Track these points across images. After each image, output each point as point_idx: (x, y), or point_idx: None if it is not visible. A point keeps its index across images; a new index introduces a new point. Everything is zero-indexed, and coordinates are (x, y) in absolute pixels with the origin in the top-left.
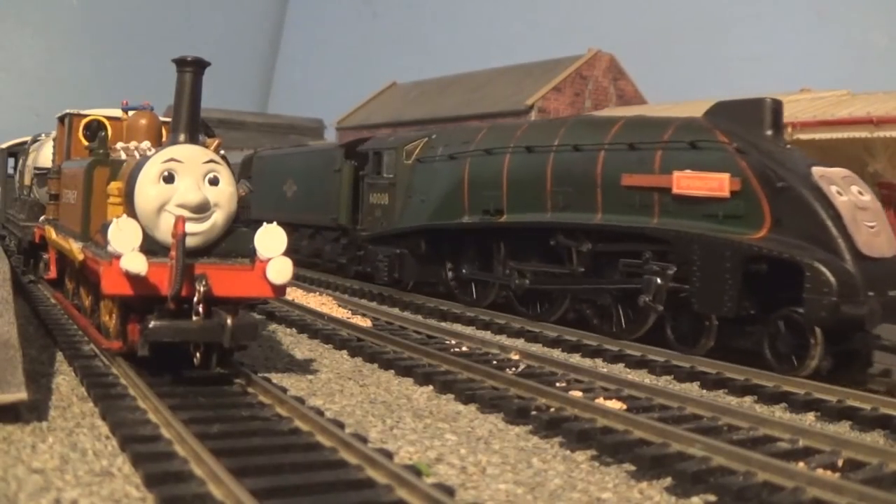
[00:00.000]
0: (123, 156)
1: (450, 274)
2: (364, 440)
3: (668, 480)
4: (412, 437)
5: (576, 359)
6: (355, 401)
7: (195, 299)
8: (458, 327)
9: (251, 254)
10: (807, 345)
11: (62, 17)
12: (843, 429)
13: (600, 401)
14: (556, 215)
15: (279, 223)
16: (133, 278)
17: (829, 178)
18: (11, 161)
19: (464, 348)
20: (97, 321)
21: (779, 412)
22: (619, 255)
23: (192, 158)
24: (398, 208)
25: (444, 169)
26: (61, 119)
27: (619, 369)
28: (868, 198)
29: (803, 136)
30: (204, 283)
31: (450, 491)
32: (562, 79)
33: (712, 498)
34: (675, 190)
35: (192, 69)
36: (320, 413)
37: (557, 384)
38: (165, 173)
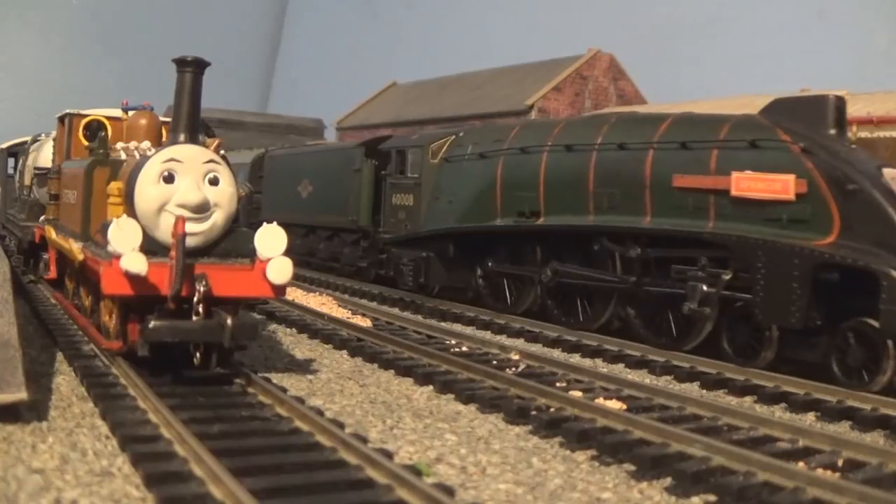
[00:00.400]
0: (123, 156)
1: (480, 281)
2: (364, 440)
3: (668, 480)
4: (412, 437)
5: (576, 359)
6: (355, 401)
7: (195, 299)
8: (458, 327)
9: (251, 254)
10: (878, 358)
11: (62, 17)
12: (842, 429)
13: (600, 401)
14: (600, 218)
15: (294, 225)
16: (133, 278)
17: None
18: (11, 161)
19: (464, 348)
20: (97, 321)
21: (779, 412)
22: (670, 260)
23: (192, 158)
24: (424, 210)
25: (473, 168)
26: (61, 119)
27: (619, 369)
28: None
29: None
30: (204, 283)
31: (450, 491)
32: (562, 79)
33: (712, 498)
34: (734, 192)
35: (192, 69)
36: (320, 413)
37: (557, 384)
38: (165, 173)
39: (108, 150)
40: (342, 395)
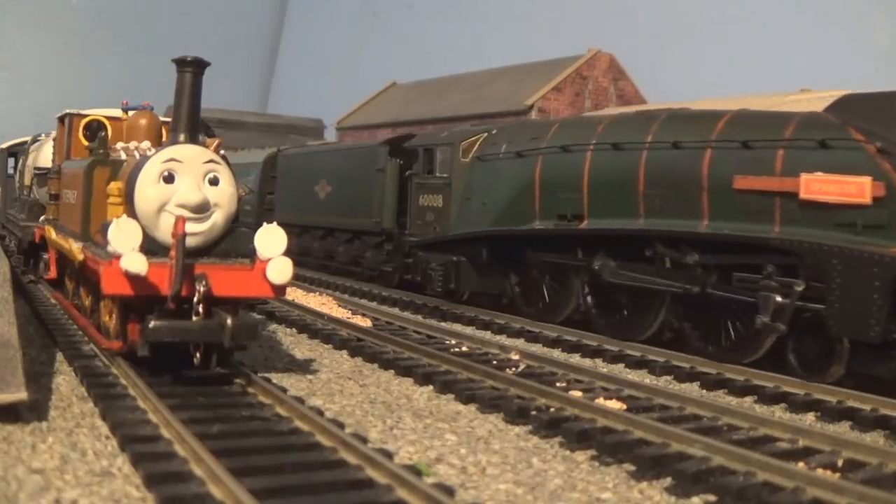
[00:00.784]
0: (123, 156)
1: (516, 288)
2: (364, 440)
3: (668, 480)
4: (412, 437)
5: (576, 359)
6: (355, 401)
7: (195, 299)
8: (458, 327)
9: (251, 254)
10: None
11: (62, 17)
12: (842, 429)
13: (600, 401)
14: (651, 221)
15: (311, 227)
16: (133, 278)
17: None
18: (11, 161)
19: (464, 348)
20: (97, 321)
21: (779, 412)
22: (731, 268)
23: (192, 158)
24: (454, 211)
25: (509, 168)
26: (61, 119)
27: (619, 369)
28: None
29: None
30: (204, 283)
31: (450, 491)
32: (562, 79)
33: (712, 498)
34: (803, 195)
35: (192, 69)
36: (320, 413)
37: (557, 384)
38: (165, 173)
39: (108, 150)
40: (342, 395)
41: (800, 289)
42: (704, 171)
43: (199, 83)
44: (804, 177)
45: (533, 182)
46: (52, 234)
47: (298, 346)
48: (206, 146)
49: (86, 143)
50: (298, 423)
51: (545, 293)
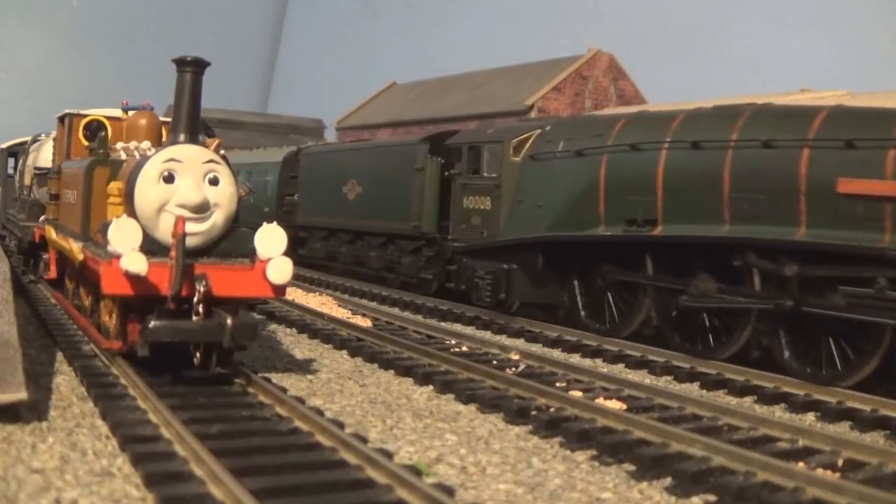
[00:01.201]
0: (123, 156)
1: (575, 298)
2: (364, 440)
3: (668, 480)
4: (412, 437)
5: (576, 359)
6: (355, 401)
7: (195, 299)
8: (458, 327)
9: (251, 254)
10: None
11: (62, 17)
12: (842, 429)
13: (600, 401)
14: (739, 228)
15: (338, 230)
16: (133, 278)
17: None
18: (11, 161)
19: (464, 348)
20: (97, 321)
21: (778, 412)
22: (835, 280)
23: (192, 158)
24: (504, 215)
25: (567, 168)
26: (61, 119)
27: (619, 369)
28: None
29: None
30: (204, 283)
31: (450, 491)
32: (562, 79)
33: (712, 498)
34: None
35: (192, 69)
36: (320, 413)
37: (557, 384)
38: (165, 173)
39: (108, 150)
40: (342, 395)
41: None
42: (802, 172)
43: (199, 83)
44: None
45: (597, 183)
46: (52, 234)
47: (298, 346)
48: (206, 146)
49: (86, 143)
50: (298, 423)
51: (610, 305)
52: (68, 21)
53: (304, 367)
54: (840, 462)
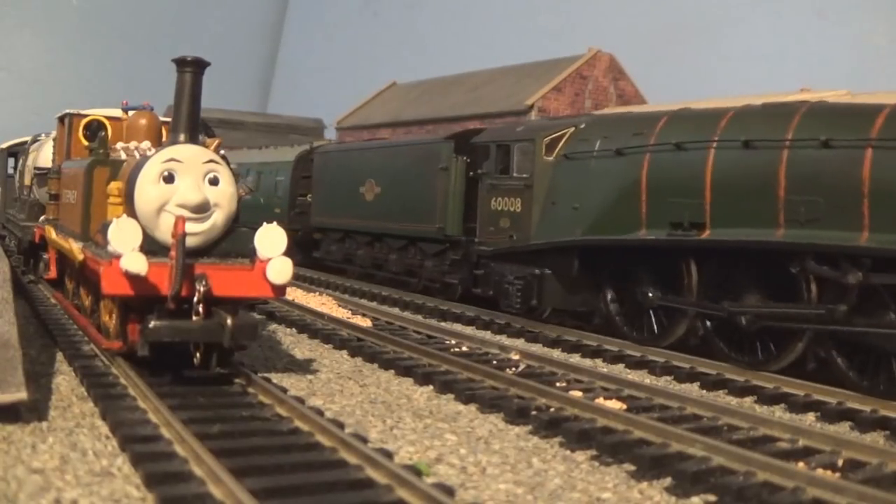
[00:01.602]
0: (123, 156)
1: (612, 305)
2: (364, 440)
3: (668, 480)
4: (412, 437)
5: (576, 359)
6: (355, 401)
7: (195, 299)
8: (458, 327)
9: (251, 254)
10: None
11: (62, 17)
12: (843, 429)
13: (600, 401)
14: (796, 233)
15: (355, 232)
16: (133, 278)
17: None
18: (11, 161)
19: (464, 348)
20: (97, 321)
21: (778, 412)
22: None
23: (192, 158)
24: (536, 217)
25: (606, 168)
26: (61, 119)
27: (619, 369)
28: None
29: None
30: (204, 283)
31: (450, 491)
32: (562, 79)
33: (712, 498)
34: None
35: (192, 69)
36: (320, 413)
37: (557, 384)
38: (165, 173)
39: (108, 150)
40: (342, 395)
41: None
42: (865, 174)
43: (199, 83)
44: None
45: (638, 184)
46: (52, 234)
47: (298, 346)
48: (206, 146)
49: (86, 143)
50: (298, 423)
51: (651, 313)
52: (68, 21)
53: (304, 367)
54: (840, 462)
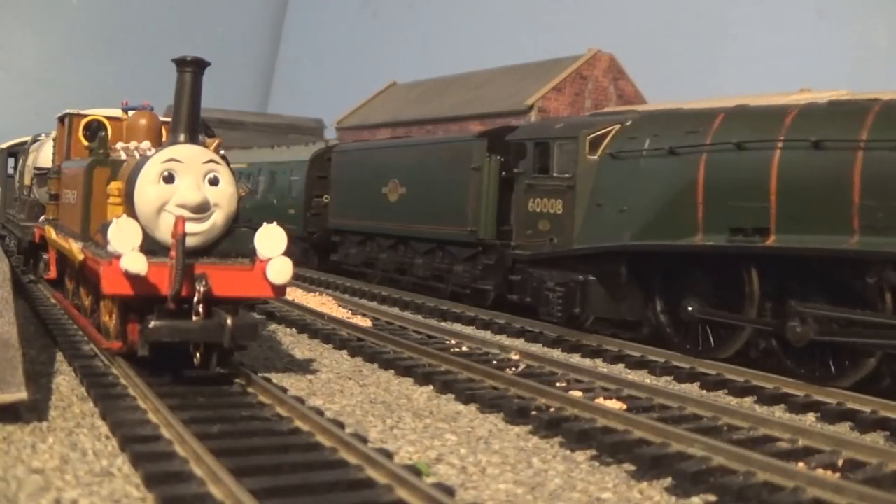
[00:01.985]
0: (123, 156)
1: (662, 315)
2: (364, 440)
3: (668, 480)
4: (412, 437)
5: (576, 359)
6: (355, 401)
7: (195, 299)
8: (458, 327)
9: (251, 254)
10: None
11: (62, 17)
12: (843, 430)
13: (600, 401)
14: (872, 240)
15: (377, 235)
16: (133, 278)
17: None
18: (11, 161)
19: (464, 348)
20: (97, 321)
21: (778, 413)
22: None
23: (192, 158)
24: (579, 219)
25: (657, 168)
26: (61, 119)
27: (619, 369)
28: None
29: None
30: (204, 283)
31: (450, 491)
32: (562, 79)
33: (712, 498)
34: None
35: (192, 69)
36: (320, 413)
37: (557, 384)
38: (165, 173)
39: (108, 150)
40: (342, 395)
41: None
42: None
43: (199, 83)
44: None
45: (694, 186)
46: (52, 234)
47: (298, 346)
48: (206, 146)
49: (86, 143)
50: (298, 423)
51: (707, 329)
52: (68, 21)
53: (304, 367)
54: (840, 462)
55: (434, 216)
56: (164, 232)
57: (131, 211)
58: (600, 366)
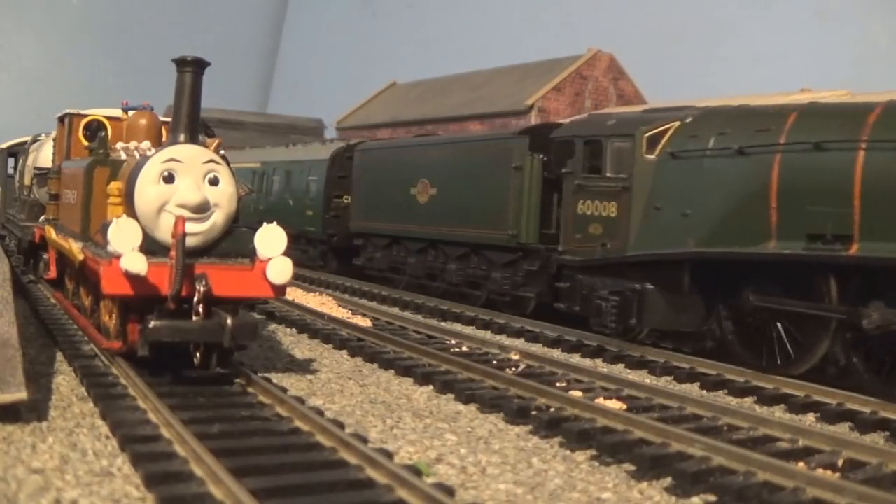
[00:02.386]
0: (123, 156)
1: (727, 324)
2: (364, 440)
3: (668, 480)
4: (412, 437)
5: (576, 359)
6: (355, 401)
7: (195, 299)
8: (458, 327)
9: (251, 254)
10: None
11: (62, 17)
12: (843, 430)
13: (600, 401)
14: None
15: (405, 238)
16: (133, 278)
17: None
18: (11, 161)
19: (464, 348)
20: (97, 321)
21: (778, 413)
22: None
23: (192, 158)
24: (635, 223)
25: (724, 169)
26: (61, 119)
27: (619, 369)
28: None
29: None
30: (204, 283)
31: (450, 491)
32: (562, 79)
33: (712, 498)
34: None
35: (192, 69)
36: (320, 413)
37: (557, 384)
38: (165, 173)
39: (108, 150)
40: (342, 395)
41: None
42: None
43: (199, 83)
44: None
45: (767, 189)
46: (52, 234)
47: (298, 346)
48: (206, 146)
49: (86, 143)
50: (298, 423)
51: (777, 339)
52: (68, 21)
53: (304, 367)
54: (840, 462)
55: (469, 219)
56: (164, 232)
57: (131, 211)
58: (600, 366)
